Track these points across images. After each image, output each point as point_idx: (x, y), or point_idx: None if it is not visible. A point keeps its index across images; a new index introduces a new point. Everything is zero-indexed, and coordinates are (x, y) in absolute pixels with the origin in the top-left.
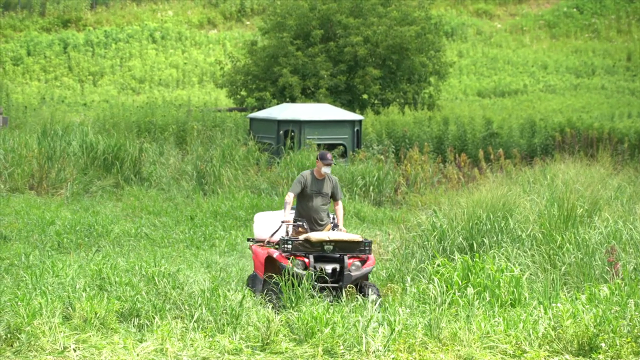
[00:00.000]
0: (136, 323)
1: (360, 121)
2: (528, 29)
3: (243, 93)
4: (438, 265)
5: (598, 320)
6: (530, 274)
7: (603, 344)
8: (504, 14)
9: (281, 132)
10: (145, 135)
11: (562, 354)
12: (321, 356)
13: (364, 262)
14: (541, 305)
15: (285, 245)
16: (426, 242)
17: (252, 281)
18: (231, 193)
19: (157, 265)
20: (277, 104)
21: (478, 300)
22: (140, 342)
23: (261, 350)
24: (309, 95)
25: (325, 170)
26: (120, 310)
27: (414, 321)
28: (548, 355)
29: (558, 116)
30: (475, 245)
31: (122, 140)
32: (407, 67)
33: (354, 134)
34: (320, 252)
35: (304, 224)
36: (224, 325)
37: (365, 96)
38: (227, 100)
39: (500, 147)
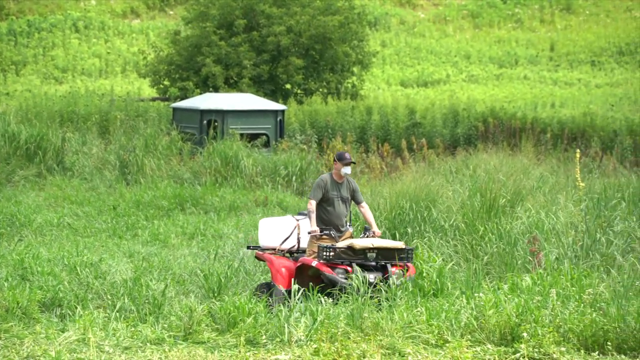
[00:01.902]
0: (58, 313)
1: (283, 111)
2: (451, 19)
3: (166, 83)
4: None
5: (520, 310)
6: (453, 264)
7: (525, 334)
8: (427, 4)
9: (204, 121)
10: (68, 125)
11: (484, 343)
12: (243, 346)
13: (404, 270)
14: (463, 295)
15: (326, 253)
16: None
17: (266, 291)
18: (154, 183)
19: (79, 255)
20: (200, 93)
21: (401, 290)
22: (63, 331)
23: (183, 340)
24: (232, 85)
25: (345, 171)
26: (43, 300)
27: (336, 311)
28: (470, 345)
29: (481, 106)
30: (398, 235)
31: (45, 129)
32: (330, 57)
33: (276, 124)
34: (363, 260)
35: (331, 232)
36: (146, 314)
37: (288, 86)
38: (150, 90)
39: (423, 137)
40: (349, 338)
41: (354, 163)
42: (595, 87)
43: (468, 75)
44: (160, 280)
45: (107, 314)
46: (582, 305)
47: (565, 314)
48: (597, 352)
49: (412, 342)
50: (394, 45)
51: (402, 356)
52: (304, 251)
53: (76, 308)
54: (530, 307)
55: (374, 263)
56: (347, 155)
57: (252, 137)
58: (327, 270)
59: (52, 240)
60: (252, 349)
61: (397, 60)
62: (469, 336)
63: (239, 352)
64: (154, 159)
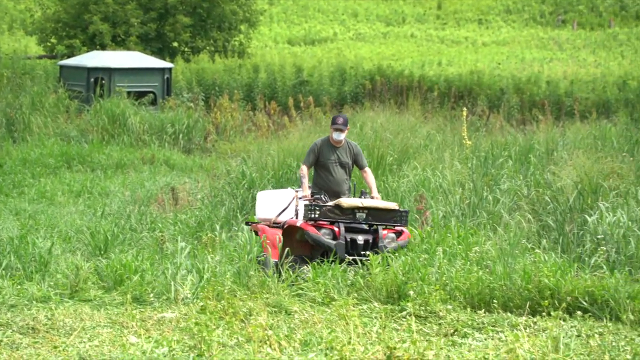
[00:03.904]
0: None
1: (170, 69)
2: None
3: (53, 40)
4: (247, 213)
5: (407, 268)
6: None
7: (411, 292)
8: None
9: (91, 79)
10: None
11: (370, 301)
12: (130, 303)
13: (398, 234)
14: None
15: (311, 212)
16: (236, 190)
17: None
18: (41, 140)
19: None
20: (88, 51)
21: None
22: None
23: (70, 298)
24: (119, 43)
25: (337, 136)
26: None
27: (223, 269)
28: (357, 303)
29: (368, 64)
30: None
31: None
32: (217, 15)
33: (164, 82)
34: (352, 220)
35: (323, 196)
36: (32, 272)
37: (175, 44)
38: (37, 48)
39: (310, 95)
40: (236, 296)
41: (344, 130)
42: (482, 45)
43: (355, 33)
44: (46, 238)
45: None
46: (469, 263)
47: (452, 272)
48: (483, 310)
49: (299, 300)
50: (281, 4)
51: (289, 314)
52: None
53: None
54: (417, 265)
55: (364, 226)
56: (339, 119)
57: (139, 95)
58: (311, 230)
59: None
60: (138, 306)
61: (285, 18)
62: (356, 294)
63: (126, 309)
64: (41, 117)
